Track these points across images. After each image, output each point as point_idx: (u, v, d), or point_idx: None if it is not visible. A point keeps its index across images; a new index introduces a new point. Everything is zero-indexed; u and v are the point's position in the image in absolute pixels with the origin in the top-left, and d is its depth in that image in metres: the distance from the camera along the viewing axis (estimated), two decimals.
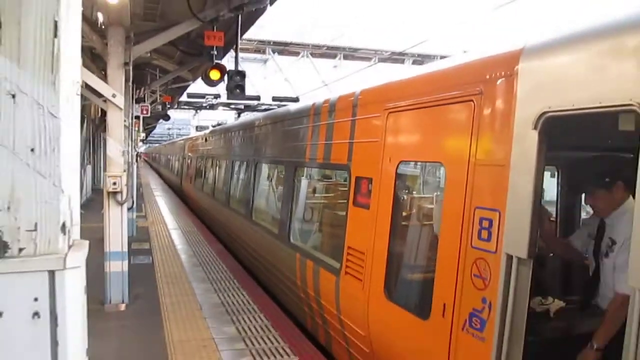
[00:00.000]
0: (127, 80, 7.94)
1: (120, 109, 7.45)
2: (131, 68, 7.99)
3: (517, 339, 3.31)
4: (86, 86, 7.57)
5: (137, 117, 15.78)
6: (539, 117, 3.22)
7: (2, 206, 1.71)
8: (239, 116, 30.65)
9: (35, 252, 1.74)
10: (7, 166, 1.72)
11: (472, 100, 3.87)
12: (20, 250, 1.73)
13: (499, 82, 3.65)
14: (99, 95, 7.79)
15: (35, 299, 1.72)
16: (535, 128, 3.24)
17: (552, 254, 5.35)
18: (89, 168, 24.33)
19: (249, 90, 26.64)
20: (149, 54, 10.00)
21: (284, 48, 25.16)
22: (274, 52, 25.46)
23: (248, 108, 27.95)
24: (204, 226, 16.11)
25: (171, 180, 32.56)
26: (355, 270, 5.40)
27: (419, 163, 5.07)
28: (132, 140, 12.90)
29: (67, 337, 1.76)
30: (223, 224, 13.63)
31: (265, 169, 10.59)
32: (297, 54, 25.21)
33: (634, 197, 2.73)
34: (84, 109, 18.94)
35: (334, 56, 25.78)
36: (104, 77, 7.81)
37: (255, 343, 6.41)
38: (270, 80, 26.82)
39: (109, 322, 7.11)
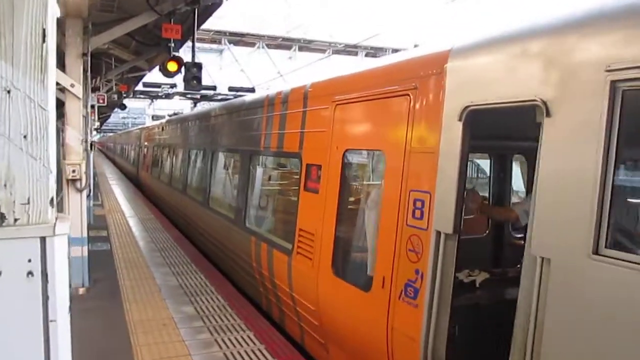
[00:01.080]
0: (85, 71, 8.11)
1: (79, 98, 7.64)
2: (89, 58, 8.17)
3: (444, 304, 3.78)
4: None
5: (92, 106, 15.73)
6: (463, 110, 3.67)
7: (0, 184, 2.06)
8: (195, 106, 30.63)
9: (29, 221, 2.10)
10: (3, 150, 2.07)
11: (408, 95, 4.30)
12: (16, 220, 2.08)
13: (430, 79, 4.09)
14: (56, 84, 7.95)
15: (29, 261, 2.08)
16: (460, 120, 3.68)
17: (485, 233, 5.99)
18: None
19: (205, 81, 26.60)
20: (106, 45, 10.12)
21: (239, 39, 25.29)
22: (229, 43, 25.57)
23: (204, 98, 27.98)
24: (161, 214, 16.28)
25: (127, 169, 32.26)
26: (306, 250, 5.83)
27: (363, 151, 5.48)
28: (89, 130, 12.97)
29: (56, 293, 2.13)
30: (180, 211, 13.87)
31: (221, 157, 10.88)
32: (252, 44, 25.39)
33: None
34: None
35: (289, 47, 26.09)
36: (62, 67, 7.96)
37: (213, 321, 6.80)
38: (226, 71, 26.92)
39: (71, 304, 7.33)
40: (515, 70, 3.35)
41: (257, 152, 8.28)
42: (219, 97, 26.36)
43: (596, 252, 2.69)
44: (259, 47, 25.60)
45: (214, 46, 26.55)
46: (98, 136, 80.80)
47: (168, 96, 29.98)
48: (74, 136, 7.70)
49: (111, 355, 5.70)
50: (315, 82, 6.42)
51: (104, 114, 31.30)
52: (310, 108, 6.22)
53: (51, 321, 2.10)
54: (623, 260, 2.58)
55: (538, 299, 3.00)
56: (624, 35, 2.74)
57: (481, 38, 3.89)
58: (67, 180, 7.66)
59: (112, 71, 14.62)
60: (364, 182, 5.87)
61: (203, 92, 27.33)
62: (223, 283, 8.65)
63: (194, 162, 13.05)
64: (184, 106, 36.38)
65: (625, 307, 2.56)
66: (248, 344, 6.08)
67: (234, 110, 9.94)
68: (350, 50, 25.16)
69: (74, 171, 7.61)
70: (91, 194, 13.78)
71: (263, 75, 25.93)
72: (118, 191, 22.93)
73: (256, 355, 5.76)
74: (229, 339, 6.20)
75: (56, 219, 2.17)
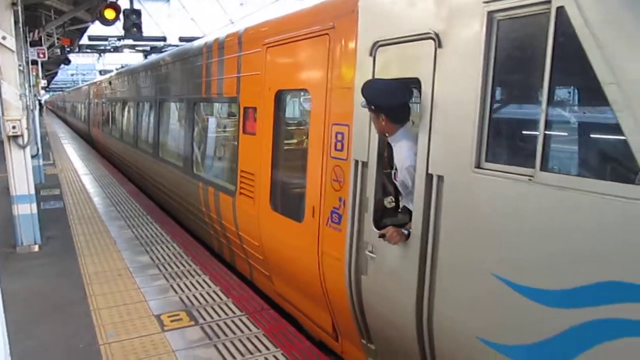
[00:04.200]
0: (17, 22, 7.75)
1: (12, 51, 7.32)
2: (20, 9, 7.80)
3: (362, 226, 4.08)
4: None
5: (35, 62, 15.15)
6: (373, 45, 3.88)
7: None
8: (146, 58, 29.71)
9: None
10: None
11: (327, 34, 4.53)
12: None
13: (345, 18, 4.28)
14: None
15: None
16: (370, 55, 3.91)
17: None
18: None
19: (154, 31, 25.82)
20: None
21: None
22: None
23: (155, 49, 27.12)
24: (116, 170, 16.08)
25: (79, 127, 31.58)
26: (247, 190, 6.15)
27: (292, 91, 5.67)
28: (30, 85, 12.52)
29: None
30: (133, 164, 13.82)
31: (167, 107, 10.88)
32: None
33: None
34: None
35: None
36: None
37: (169, 268, 6.90)
38: (175, 20, 26.03)
39: (23, 262, 7.29)
40: (414, 6, 3.55)
41: (200, 100, 8.39)
42: (170, 47, 25.56)
43: (478, 165, 3.01)
44: None
45: None
46: (47, 95, 78.03)
47: (117, 49, 28.96)
48: (10, 91, 7.42)
49: (66, 307, 5.73)
50: (247, 27, 6.57)
51: (50, 71, 30.18)
52: (244, 52, 6.38)
53: None
54: (499, 171, 2.90)
55: (437, 213, 3.31)
56: None
57: None
58: (8, 137, 7.45)
59: (51, 23, 14.01)
60: (295, 121, 6.09)
61: (153, 43, 26.52)
62: (179, 232, 8.72)
63: (142, 114, 12.97)
64: (135, 60, 35.23)
65: (502, 211, 2.91)
66: (203, 287, 6.21)
67: (176, 59, 9.95)
68: None
69: (14, 127, 7.39)
70: (39, 152, 13.43)
71: (214, 23, 25.16)
72: (70, 150, 22.42)
73: (211, 297, 5.91)
74: (185, 284, 6.32)
75: None
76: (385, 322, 3.98)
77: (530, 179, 2.70)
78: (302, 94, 5.55)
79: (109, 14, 8.54)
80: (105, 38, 25.61)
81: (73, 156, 19.98)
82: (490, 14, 2.92)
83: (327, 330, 5.01)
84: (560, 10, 2.54)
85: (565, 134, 2.91)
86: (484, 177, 2.97)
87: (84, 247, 7.88)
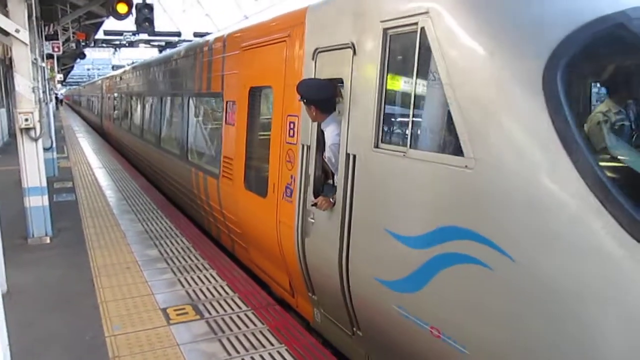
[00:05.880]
0: (30, 16, 7.82)
1: (26, 44, 7.39)
2: (34, 2, 7.86)
3: (307, 198, 4.87)
4: None
5: (51, 56, 15.29)
6: (314, 51, 4.76)
7: None
8: (160, 53, 29.80)
9: None
10: None
11: (285, 41, 5.42)
12: None
13: (297, 28, 5.14)
14: (5, 33, 7.66)
15: None
16: (313, 59, 4.77)
17: None
18: (3, 111, 23.17)
19: (169, 26, 26.02)
20: None
21: None
22: None
23: (169, 45, 27.23)
24: (128, 163, 16.22)
25: (92, 120, 32.11)
26: (228, 173, 7.13)
27: (260, 87, 6.41)
28: (44, 79, 12.63)
29: None
30: (141, 156, 14.37)
31: (168, 102, 11.65)
32: None
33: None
34: None
35: None
36: (6, 13, 7.65)
37: (177, 262, 6.92)
38: (190, 15, 26.17)
39: (34, 253, 7.37)
40: (340, 22, 4.38)
41: (193, 95, 9.45)
42: (184, 43, 25.63)
43: (376, 146, 3.85)
44: None
45: None
46: (64, 90, 78.76)
47: (132, 44, 29.12)
48: (23, 84, 7.49)
49: (75, 299, 5.77)
50: (230, 32, 7.62)
51: (66, 65, 30.45)
52: (227, 54, 7.40)
53: None
54: (388, 150, 3.75)
55: (352, 184, 4.13)
56: None
57: None
58: (21, 130, 7.52)
59: (66, 17, 14.10)
60: (262, 113, 6.72)
61: (167, 38, 26.65)
62: (187, 226, 8.76)
63: (148, 108, 13.71)
64: (151, 55, 35.35)
65: (388, 179, 3.75)
66: (210, 282, 6.22)
67: (173, 58, 10.92)
68: None
69: (26, 120, 7.45)
70: (53, 145, 13.55)
71: (228, 18, 25.21)
72: (85, 143, 22.59)
73: (217, 292, 5.92)
74: (192, 278, 6.34)
75: None
76: (321, 274, 4.78)
77: (404, 155, 3.55)
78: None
79: (121, 8, 8.57)
80: (120, 33, 25.83)
81: (87, 149, 20.14)
82: (385, 30, 3.80)
83: (285, 288, 5.85)
84: (423, 29, 3.42)
85: (426, 121, 3.67)
86: (379, 154, 3.82)
87: (94, 239, 7.94)
